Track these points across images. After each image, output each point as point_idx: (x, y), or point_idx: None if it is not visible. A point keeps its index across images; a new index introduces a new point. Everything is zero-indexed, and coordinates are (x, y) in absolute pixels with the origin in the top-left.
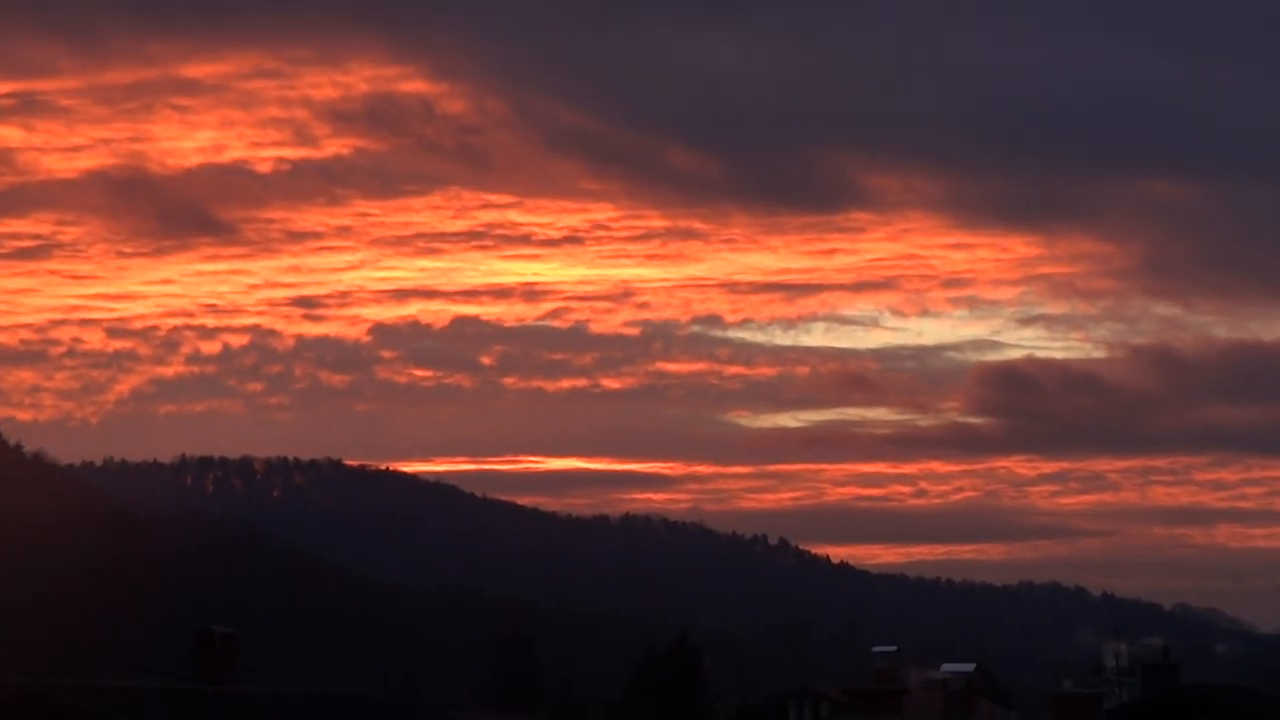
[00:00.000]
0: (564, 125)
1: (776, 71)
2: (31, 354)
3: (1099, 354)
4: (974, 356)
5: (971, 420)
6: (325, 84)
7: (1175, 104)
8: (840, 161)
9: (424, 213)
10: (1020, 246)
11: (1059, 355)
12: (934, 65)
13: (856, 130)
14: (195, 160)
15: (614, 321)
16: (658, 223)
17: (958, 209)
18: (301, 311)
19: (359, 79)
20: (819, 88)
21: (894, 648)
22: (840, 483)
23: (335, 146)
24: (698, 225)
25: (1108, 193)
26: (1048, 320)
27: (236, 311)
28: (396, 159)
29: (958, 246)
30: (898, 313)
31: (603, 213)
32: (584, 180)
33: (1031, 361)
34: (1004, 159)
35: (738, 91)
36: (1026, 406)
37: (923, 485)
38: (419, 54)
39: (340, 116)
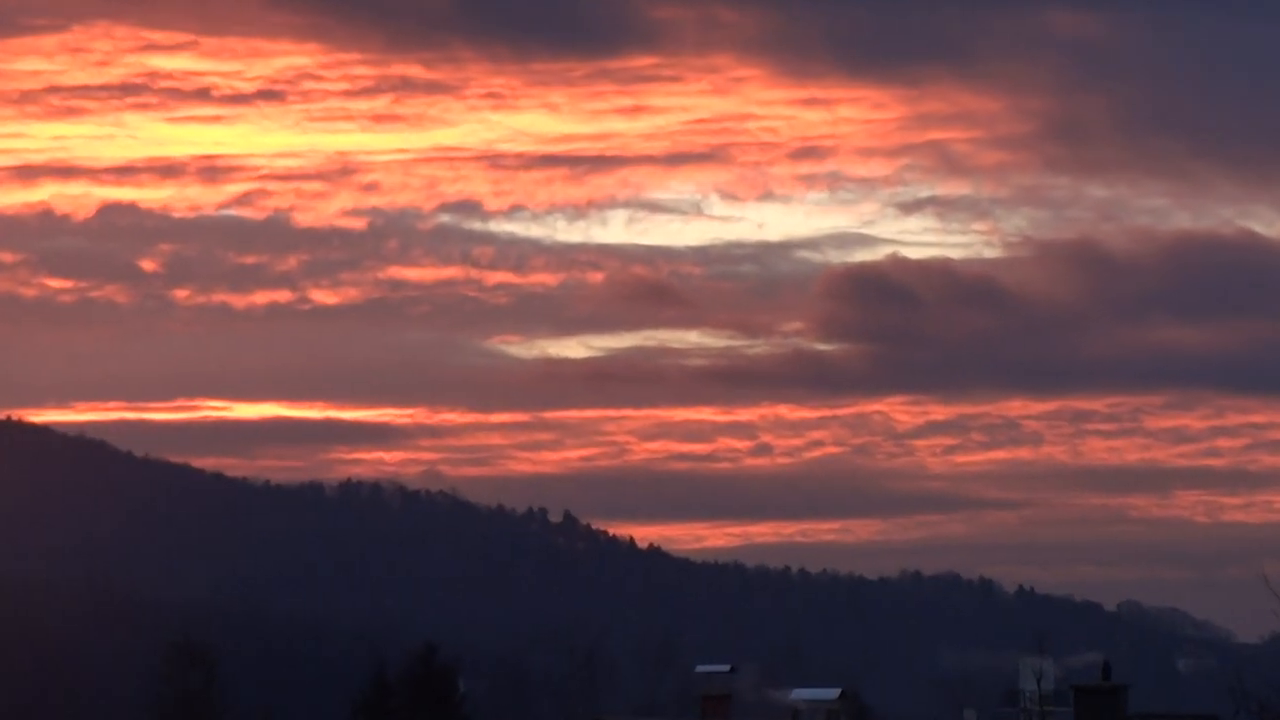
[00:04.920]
0: None
1: None
2: None
3: (994, 254)
4: (836, 257)
5: (824, 347)
6: None
7: None
8: None
9: (57, 58)
10: (893, 104)
11: (941, 254)
12: None
13: None
14: None
15: (329, 210)
16: (363, 71)
17: (782, 50)
18: None
19: None
20: None
21: (726, 666)
22: (649, 435)
23: None
24: (418, 74)
25: (992, 28)
26: (939, 205)
27: None
28: None
29: (810, 103)
30: (729, 196)
31: (310, 56)
32: (277, 13)
33: (900, 264)
34: None
35: None
36: (902, 328)
37: (765, 439)
38: None
39: None
